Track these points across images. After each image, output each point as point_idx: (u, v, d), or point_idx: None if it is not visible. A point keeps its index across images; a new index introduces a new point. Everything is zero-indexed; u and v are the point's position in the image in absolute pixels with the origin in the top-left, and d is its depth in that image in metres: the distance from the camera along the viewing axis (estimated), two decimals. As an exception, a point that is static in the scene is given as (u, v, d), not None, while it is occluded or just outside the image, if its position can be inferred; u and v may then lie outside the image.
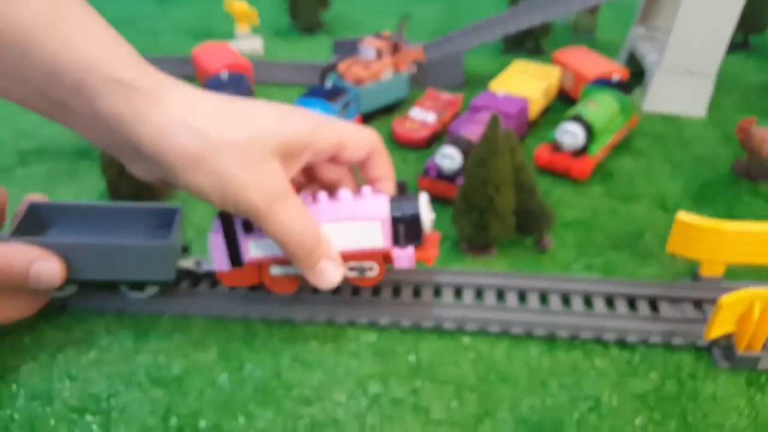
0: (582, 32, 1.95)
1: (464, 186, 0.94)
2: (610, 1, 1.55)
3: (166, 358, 0.81)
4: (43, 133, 1.41)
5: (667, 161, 1.29)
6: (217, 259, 0.79)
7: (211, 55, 1.50)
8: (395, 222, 0.75)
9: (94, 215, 0.89)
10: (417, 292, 0.91)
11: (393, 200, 0.76)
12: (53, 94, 0.61)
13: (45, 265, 0.76)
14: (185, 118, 0.62)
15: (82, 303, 0.89)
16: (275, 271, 0.80)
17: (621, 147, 1.33)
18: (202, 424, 0.73)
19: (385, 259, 0.78)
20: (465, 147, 1.08)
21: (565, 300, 0.90)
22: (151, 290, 0.88)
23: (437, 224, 1.08)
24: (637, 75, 1.55)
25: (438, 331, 0.85)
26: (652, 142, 1.36)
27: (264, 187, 0.65)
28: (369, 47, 1.39)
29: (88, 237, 0.86)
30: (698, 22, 1.37)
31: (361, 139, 0.77)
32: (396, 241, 0.76)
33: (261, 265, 0.80)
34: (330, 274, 0.74)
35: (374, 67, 1.37)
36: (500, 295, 0.91)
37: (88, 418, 0.74)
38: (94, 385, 0.77)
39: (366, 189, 0.79)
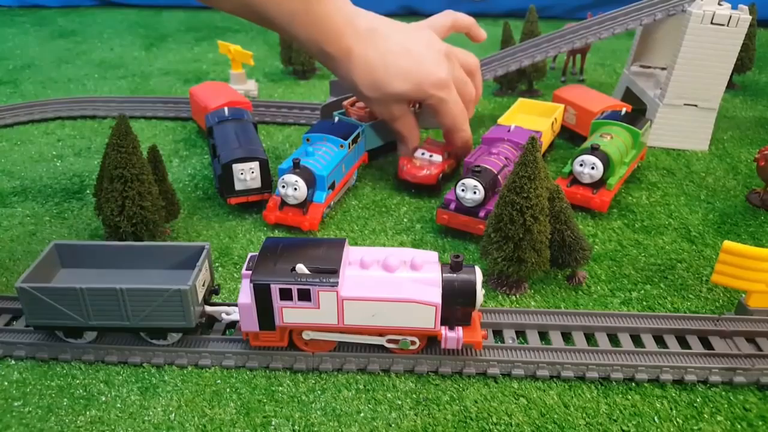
0: (571, 74, 1.98)
1: (496, 215, 0.88)
2: (594, 42, 1.57)
3: (178, 415, 0.70)
4: (27, 173, 1.31)
5: (681, 194, 1.27)
6: (245, 320, 0.74)
7: (211, 92, 1.45)
8: (450, 306, 0.73)
9: (115, 255, 0.82)
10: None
11: (448, 280, 0.73)
12: None
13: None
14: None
15: (75, 354, 0.79)
16: (309, 335, 0.76)
17: (632, 180, 1.31)
18: (225, 493, 0.63)
19: (431, 336, 0.75)
20: (487, 179, 1.03)
21: (613, 338, 0.84)
22: (173, 337, 0.79)
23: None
24: (636, 111, 1.55)
25: (482, 376, 0.77)
26: (663, 176, 1.34)
27: None
28: (373, 82, 1.35)
29: (100, 279, 0.78)
30: (700, 55, 1.38)
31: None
32: (446, 321, 0.74)
33: (293, 329, 0.75)
34: None
35: (379, 103, 1.33)
36: (543, 335, 0.84)
37: (88, 491, 0.63)
38: (94, 451, 0.67)
39: (418, 256, 0.75)
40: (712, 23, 1.34)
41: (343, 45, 1.03)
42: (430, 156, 1.25)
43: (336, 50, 1.04)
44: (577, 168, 1.16)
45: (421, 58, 1.08)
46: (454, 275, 0.73)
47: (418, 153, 1.27)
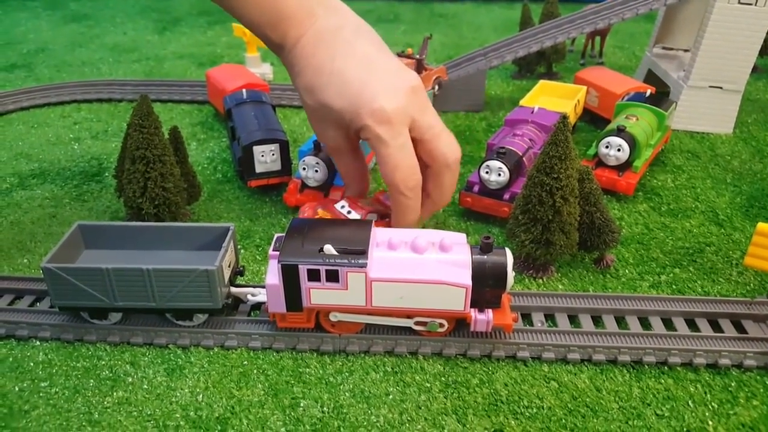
0: (590, 57, 1.95)
1: (525, 197, 0.86)
2: (616, 23, 1.53)
3: (206, 397, 0.70)
4: (45, 156, 1.30)
5: (707, 177, 1.24)
6: (272, 301, 0.73)
7: (228, 75, 1.43)
8: (480, 288, 0.71)
9: (139, 236, 0.81)
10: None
11: (478, 261, 0.72)
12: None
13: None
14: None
15: (101, 335, 0.78)
16: (337, 317, 0.75)
17: (657, 163, 1.28)
18: (255, 474, 0.62)
19: (459, 319, 0.74)
20: (512, 161, 1.01)
21: (643, 321, 0.82)
22: (199, 318, 0.78)
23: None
24: (659, 93, 1.52)
25: (512, 359, 0.76)
26: (688, 159, 1.31)
27: None
28: (392, 64, 1.32)
29: (125, 260, 0.77)
30: (726, 35, 1.35)
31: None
32: (476, 304, 0.73)
33: (320, 310, 0.75)
34: None
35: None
36: (572, 318, 0.82)
37: (118, 471, 0.62)
38: (122, 432, 0.66)
39: (447, 237, 0.74)
40: (739, 3, 1.31)
41: (293, 33, 0.84)
42: (348, 213, 0.95)
43: (281, 38, 0.84)
44: (602, 150, 1.13)
45: (375, 76, 0.81)
46: (485, 257, 0.72)
47: (338, 205, 0.96)
